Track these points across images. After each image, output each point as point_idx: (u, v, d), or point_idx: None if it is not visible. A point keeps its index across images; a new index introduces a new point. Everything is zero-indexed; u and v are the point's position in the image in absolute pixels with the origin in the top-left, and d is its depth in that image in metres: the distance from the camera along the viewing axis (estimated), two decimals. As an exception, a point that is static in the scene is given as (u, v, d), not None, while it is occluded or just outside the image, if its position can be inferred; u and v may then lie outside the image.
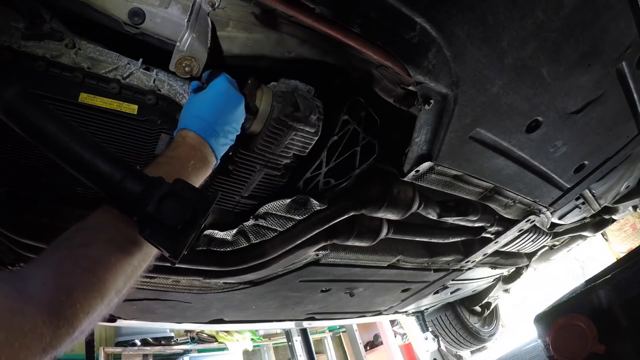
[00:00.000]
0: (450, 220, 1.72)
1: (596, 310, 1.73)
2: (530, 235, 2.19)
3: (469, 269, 2.45)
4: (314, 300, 2.26)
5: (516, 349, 2.79)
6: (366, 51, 0.95)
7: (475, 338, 3.67)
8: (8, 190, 1.15)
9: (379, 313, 3.09)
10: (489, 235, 2.04)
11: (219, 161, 0.97)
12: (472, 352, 6.32)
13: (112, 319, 1.96)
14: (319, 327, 7.28)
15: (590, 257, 6.72)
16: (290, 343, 4.87)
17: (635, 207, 2.94)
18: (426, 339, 3.84)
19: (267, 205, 1.33)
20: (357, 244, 1.58)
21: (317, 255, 1.70)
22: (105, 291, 0.68)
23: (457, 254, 2.22)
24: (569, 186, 1.79)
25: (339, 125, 1.25)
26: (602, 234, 6.42)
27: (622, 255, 5.99)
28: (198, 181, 0.90)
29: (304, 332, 4.55)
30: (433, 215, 1.61)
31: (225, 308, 2.10)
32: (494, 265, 2.61)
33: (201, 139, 0.92)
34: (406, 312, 3.40)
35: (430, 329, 3.74)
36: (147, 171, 0.82)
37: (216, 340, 6.18)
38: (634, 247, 3.24)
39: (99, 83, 1.01)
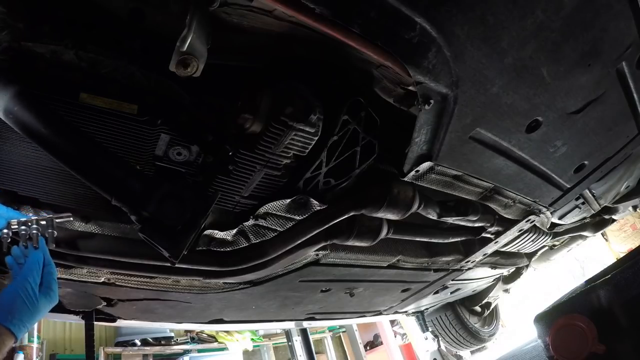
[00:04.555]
0: (450, 220, 1.71)
1: (596, 310, 1.73)
2: (530, 235, 2.19)
3: (469, 269, 2.45)
4: (314, 300, 2.26)
5: (516, 349, 2.78)
6: (366, 51, 0.95)
7: (475, 338, 3.67)
8: (8, 190, 1.15)
9: (379, 313, 3.09)
10: (489, 235, 2.04)
11: (19, 337, 0.97)
12: (472, 352, 6.33)
13: (112, 319, 1.96)
14: (319, 327, 7.29)
15: (590, 257, 6.72)
16: (290, 343, 4.87)
17: (635, 207, 2.93)
18: (426, 339, 3.84)
19: (267, 205, 1.33)
20: (357, 244, 1.58)
21: (317, 255, 1.70)
22: None
23: (457, 254, 2.22)
24: (569, 186, 1.79)
25: (339, 125, 1.25)
26: (602, 234, 6.42)
27: (622, 255, 5.99)
28: None
29: (304, 332, 4.56)
30: (433, 215, 1.61)
31: (225, 308, 2.10)
32: (494, 265, 2.61)
33: None
34: (406, 312, 3.40)
35: (430, 329, 3.74)
36: None
37: (216, 340, 6.19)
38: (634, 247, 3.24)
39: (99, 83, 1.00)
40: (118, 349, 5.40)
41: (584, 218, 2.51)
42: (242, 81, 1.17)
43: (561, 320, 1.79)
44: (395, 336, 7.32)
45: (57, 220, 1.08)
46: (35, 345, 4.52)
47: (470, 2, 0.90)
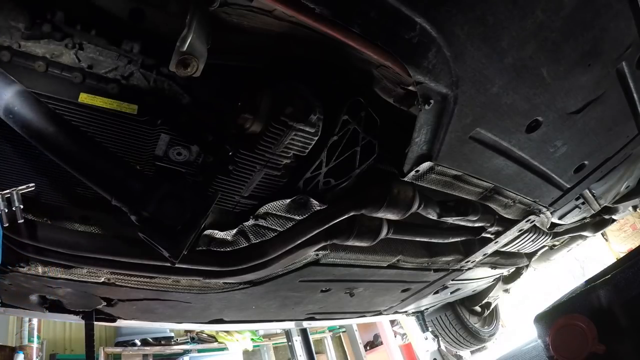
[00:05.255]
0: (450, 220, 1.71)
1: (596, 310, 1.73)
2: (530, 235, 2.19)
3: (469, 269, 2.45)
4: (314, 300, 2.26)
5: (516, 349, 2.78)
6: (366, 51, 0.95)
7: (475, 338, 3.67)
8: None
9: (379, 313, 3.09)
10: (489, 235, 2.04)
11: None
12: (472, 352, 6.33)
13: (112, 319, 1.96)
14: (319, 327, 7.29)
15: (590, 257, 6.72)
16: (290, 343, 4.87)
17: (635, 207, 2.94)
18: (426, 339, 3.84)
19: (267, 205, 1.33)
20: (357, 244, 1.58)
21: (317, 255, 1.70)
22: None
23: (457, 254, 2.22)
24: (569, 186, 1.79)
25: (339, 125, 1.25)
26: (602, 234, 6.42)
27: (622, 255, 5.99)
28: None
29: (304, 332, 4.56)
30: (433, 215, 1.61)
31: (225, 308, 2.10)
32: (494, 265, 2.61)
33: None
34: (406, 312, 3.40)
35: (430, 329, 3.74)
36: None
37: (216, 340, 6.19)
38: (634, 247, 3.24)
39: (99, 83, 1.01)
40: (118, 349, 5.40)
41: (584, 218, 2.51)
42: (242, 81, 1.17)
43: (561, 320, 1.79)
44: (395, 336, 7.32)
45: (20, 193, 1.05)
46: (35, 345, 4.52)
47: (470, 2, 0.90)
